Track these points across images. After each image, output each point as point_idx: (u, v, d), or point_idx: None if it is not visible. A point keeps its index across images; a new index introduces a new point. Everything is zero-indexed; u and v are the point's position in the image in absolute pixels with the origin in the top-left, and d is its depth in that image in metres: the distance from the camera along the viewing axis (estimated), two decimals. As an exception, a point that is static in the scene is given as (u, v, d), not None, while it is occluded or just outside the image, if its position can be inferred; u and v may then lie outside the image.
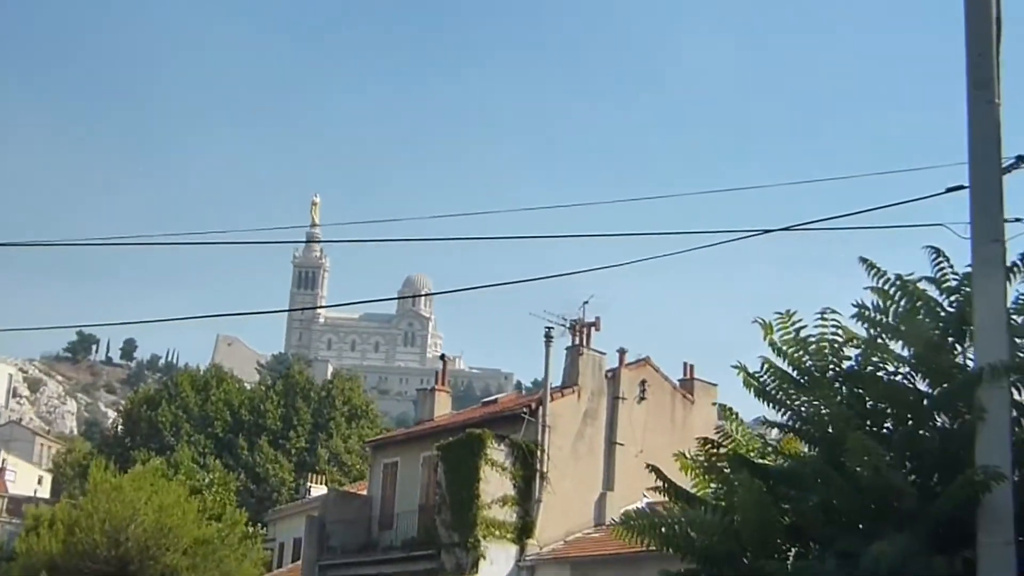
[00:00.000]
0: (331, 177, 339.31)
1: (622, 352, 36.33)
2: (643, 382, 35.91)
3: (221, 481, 45.15)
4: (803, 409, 9.91)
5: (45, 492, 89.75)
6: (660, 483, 10.57)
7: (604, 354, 35.91)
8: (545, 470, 33.02)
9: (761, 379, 10.08)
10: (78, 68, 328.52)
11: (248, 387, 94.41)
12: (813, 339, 9.99)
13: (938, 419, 9.69)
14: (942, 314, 9.95)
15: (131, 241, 15.78)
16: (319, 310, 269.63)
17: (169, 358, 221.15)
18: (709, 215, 37.91)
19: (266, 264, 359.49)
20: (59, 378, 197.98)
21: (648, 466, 11.03)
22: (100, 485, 32.45)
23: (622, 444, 34.24)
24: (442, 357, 43.51)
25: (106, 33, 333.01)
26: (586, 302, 35.78)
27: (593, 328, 36.04)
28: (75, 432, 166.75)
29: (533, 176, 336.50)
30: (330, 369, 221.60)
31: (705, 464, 10.41)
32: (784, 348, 10.00)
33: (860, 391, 9.72)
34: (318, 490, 49.49)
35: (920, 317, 9.92)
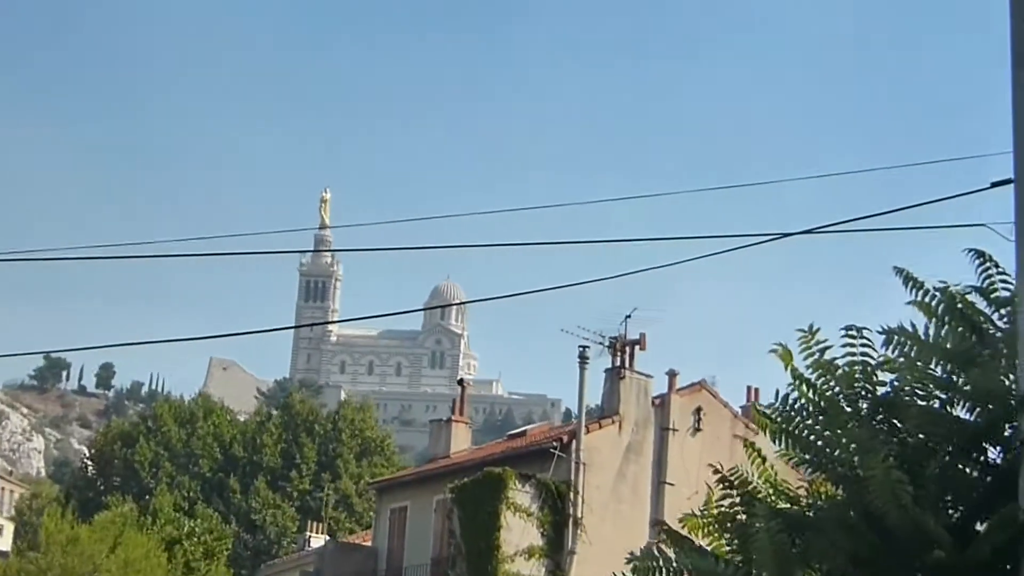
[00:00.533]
0: (344, 169, 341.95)
1: (672, 374, 36.51)
2: (698, 410, 36.06)
3: (209, 530, 45.64)
4: (828, 446, 10.08)
5: (6, 544, 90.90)
6: (669, 539, 10.79)
7: (651, 377, 36.14)
8: (579, 515, 33.23)
9: (782, 415, 10.24)
10: (50, 60, 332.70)
11: (243, 419, 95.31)
12: (839, 362, 10.14)
13: (989, 452, 9.82)
14: (990, 331, 10.08)
15: (106, 255, 15.93)
16: (330, 327, 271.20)
17: (153, 386, 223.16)
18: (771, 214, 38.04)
19: (267, 273, 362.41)
20: (24, 411, 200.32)
21: (656, 523, 11.25)
22: (54, 537, 32.95)
23: (672, 484, 34.37)
24: (460, 382, 43.78)
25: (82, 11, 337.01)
26: (628, 316, 35.93)
27: (637, 347, 36.24)
28: (42, 473, 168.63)
29: (582, 163, 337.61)
30: (343, 396, 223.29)
31: (717, 516, 10.61)
32: (807, 375, 10.18)
33: (895, 422, 9.87)
34: (320, 540, 49.98)
35: (967, 334, 10.05)
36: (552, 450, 33.63)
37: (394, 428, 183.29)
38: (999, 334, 10.08)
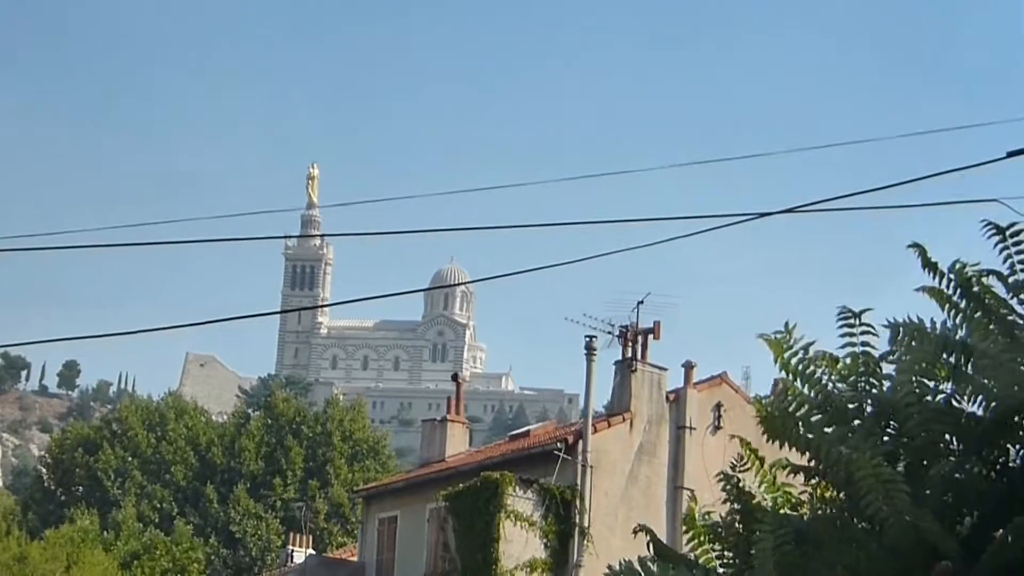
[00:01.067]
0: (333, 142, 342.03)
1: (689, 367, 36.50)
2: (718, 406, 36.04)
3: (176, 543, 45.80)
4: (825, 447, 10.10)
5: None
6: (652, 546, 10.83)
7: (666, 370, 36.13)
8: (586, 524, 33.29)
9: (778, 413, 10.28)
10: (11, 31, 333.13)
11: (223, 420, 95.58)
12: (841, 352, 10.19)
13: (1011, 451, 9.84)
14: (1009, 317, 10.08)
15: (64, 244, 15.76)
16: (321, 318, 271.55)
17: (123, 385, 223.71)
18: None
19: (248, 258, 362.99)
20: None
21: (639, 527, 11.28)
22: (-1, 557, 33.02)
23: (690, 489, 34.38)
24: (455, 376, 43.84)
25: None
26: (641, 302, 35.91)
27: (651, 336, 36.25)
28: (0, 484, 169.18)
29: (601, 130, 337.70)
30: (335, 394, 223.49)
31: (710, 524, 10.65)
32: (802, 370, 10.21)
33: (896, 422, 9.89)
34: (305, 554, 50.14)
35: (985, 323, 10.05)
36: (556, 452, 33.66)
37: (392, 429, 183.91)
38: (1020, 321, 10.09)
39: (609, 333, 35.57)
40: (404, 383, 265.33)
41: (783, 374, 10.32)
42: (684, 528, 10.93)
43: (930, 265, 10.36)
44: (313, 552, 48.28)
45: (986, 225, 10.22)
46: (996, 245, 10.30)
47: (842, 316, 10.09)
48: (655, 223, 12.53)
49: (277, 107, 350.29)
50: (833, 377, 10.21)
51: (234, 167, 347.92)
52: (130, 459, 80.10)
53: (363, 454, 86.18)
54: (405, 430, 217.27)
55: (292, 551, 52.70)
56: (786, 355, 10.26)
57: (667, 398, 35.78)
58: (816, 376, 10.18)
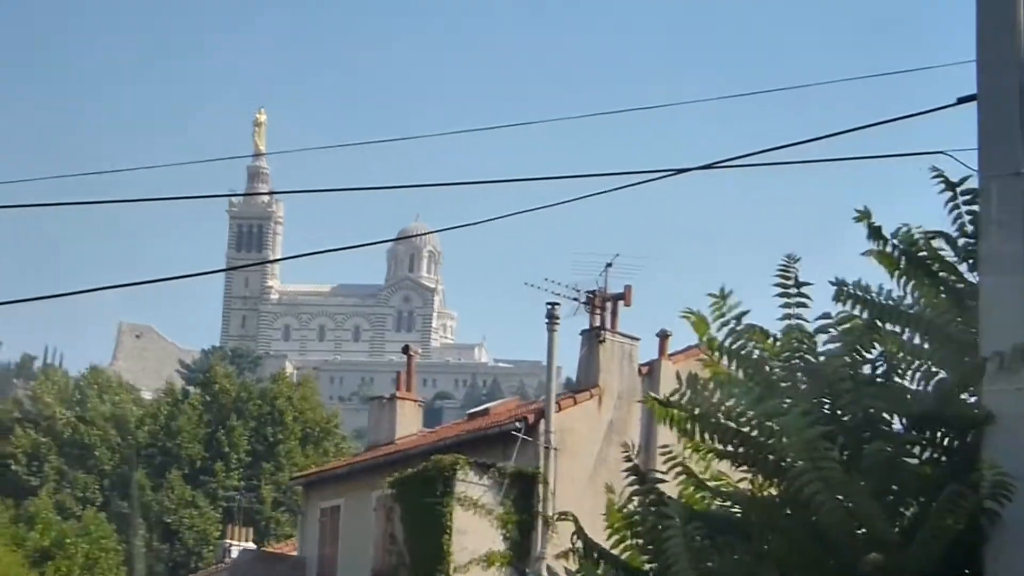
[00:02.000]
0: (283, 84, 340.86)
1: (664, 336, 36.68)
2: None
3: (89, 533, 45.79)
4: (757, 431, 10.25)
5: None
6: (575, 539, 11.00)
7: (638, 340, 36.30)
8: (550, 512, 33.46)
9: (691, 400, 10.43)
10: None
11: (155, 396, 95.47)
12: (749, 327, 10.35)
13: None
14: (958, 284, 10.27)
15: None
16: (272, 283, 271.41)
17: (49, 359, 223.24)
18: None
19: (187, 216, 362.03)
20: None
21: (561, 515, 11.45)
22: None
23: (664, 472, 34.68)
24: (405, 349, 44.00)
25: None
26: (609, 264, 35.99)
27: (621, 303, 36.41)
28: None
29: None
30: (289, 368, 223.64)
31: (627, 515, 10.82)
32: (727, 344, 10.35)
33: (830, 399, 10.05)
34: (248, 548, 50.36)
35: (935, 290, 10.24)
36: (514, 433, 33.82)
37: (352, 407, 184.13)
38: (969, 287, 10.27)
39: (575, 299, 35.67)
40: (366, 355, 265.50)
41: (708, 351, 10.47)
42: (606, 522, 11.10)
43: (875, 231, 10.54)
44: (252, 546, 48.49)
45: (935, 177, 10.38)
46: (947, 203, 10.48)
47: (781, 282, 10.24)
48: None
49: (219, 44, 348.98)
50: (764, 353, 10.35)
51: (171, 111, 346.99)
52: (45, 441, 79.71)
53: (316, 436, 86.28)
54: (366, 408, 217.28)
55: (230, 545, 52.98)
56: (712, 331, 10.41)
57: (639, 371, 35.95)
58: (746, 352, 10.32)
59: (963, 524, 9.12)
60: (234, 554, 50.37)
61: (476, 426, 37.83)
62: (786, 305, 10.33)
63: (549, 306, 35.07)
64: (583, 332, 36.08)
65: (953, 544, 9.19)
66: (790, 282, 10.27)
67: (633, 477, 10.98)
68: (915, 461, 9.91)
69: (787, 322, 10.37)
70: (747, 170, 11.76)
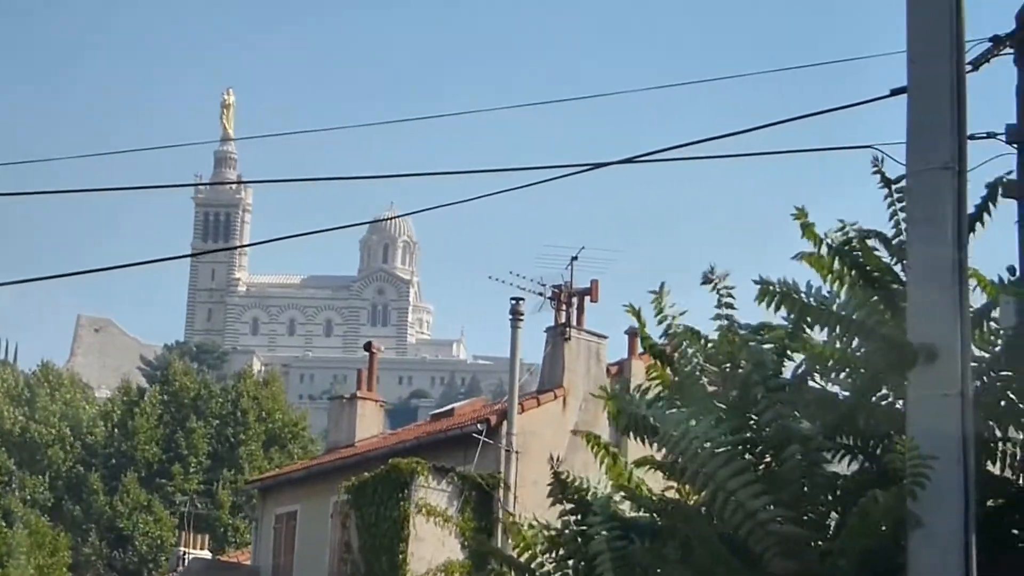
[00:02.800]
0: (252, 65, 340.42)
1: (633, 334, 36.71)
2: (668, 378, 36.36)
3: (42, 543, 45.86)
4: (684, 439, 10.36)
5: None
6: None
7: (605, 338, 36.38)
8: (511, 520, 33.52)
9: (631, 402, 10.54)
10: None
11: (110, 395, 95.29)
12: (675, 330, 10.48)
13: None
14: (893, 284, 10.39)
15: None
16: (239, 274, 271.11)
17: (4, 355, 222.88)
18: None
19: (148, 201, 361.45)
20: None
21: (511, 521, 11.58)
22: None
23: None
24: (367, 347, 44.03)
25: None
26: (575, 257, 36.06)
27: (588, 298, 36.51)
28: None
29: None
30: (256, 365, 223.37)
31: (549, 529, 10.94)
32: (663, 348, 10.49)
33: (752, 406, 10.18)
34: (204, 556, 50.40)
35: (868, 291, 10.36)
36: (475, 435, 33.91)
37: (323, 406, 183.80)
38: (902, 288, 10.39)
39: (539, 294, 35.74)
40: (338, 351, 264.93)
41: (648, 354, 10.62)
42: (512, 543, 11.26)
43: (809, 231, 10.66)
44: (207, 554, 48.56)
45: (875, 172, 10.51)
46: (885, 199, 10.60)
47: (708, 282, 10.38)
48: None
49: (185, 22, 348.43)
50: (699, 356, 10.47)
51: (135, 94, 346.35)
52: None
53: (282, 437, 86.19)
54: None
55: (184, 552, 53.03)
56: (650, 331, 10.55)
57: (607, 371, 36.03)
58: (681, 356, 10.45)
59: (884, 530, 9.24)
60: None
61: (437, 428, 37.94)
62: (718, 305, 10.47)
63: (513, 301, 35.15)
64: (547, 329, 36.17)
65: (873, 551, 9.31)
66: (717, 282, 10.38)
67: (558, 489, 11.06)
68: (836, 468, 10.03)
69: (718, 322, 10.52)
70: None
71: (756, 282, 10.37)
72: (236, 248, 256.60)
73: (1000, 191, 10.32)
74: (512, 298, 35.06)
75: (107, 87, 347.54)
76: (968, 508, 9.02)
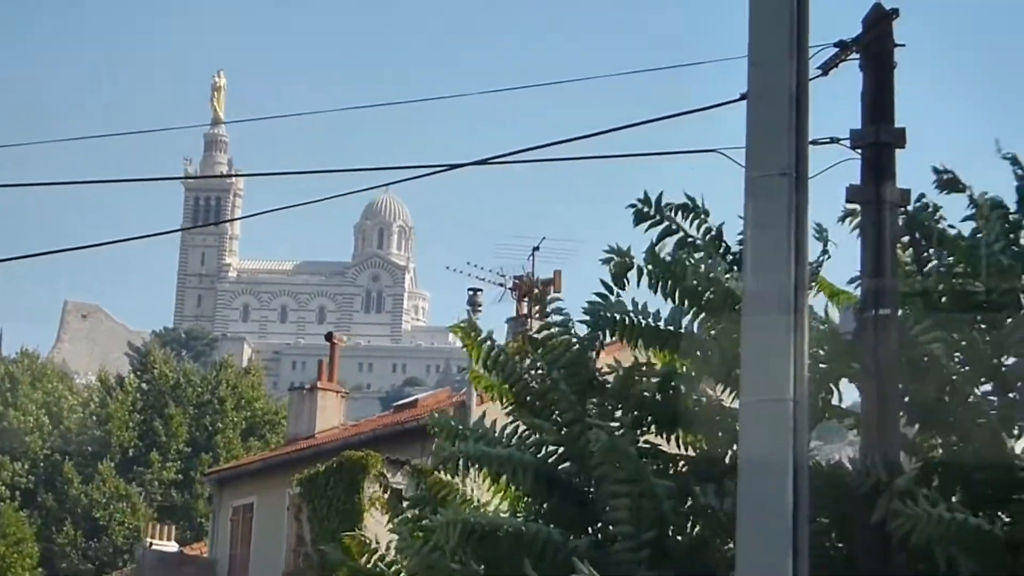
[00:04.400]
0: (243, 48, 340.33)
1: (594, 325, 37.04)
2: (630, 369, 36.66)
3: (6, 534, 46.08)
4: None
5: None
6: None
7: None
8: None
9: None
10: None
11: (91, 383, 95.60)
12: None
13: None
14: (710, 295, 10.87)
15: None
16: (230, 260, 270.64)
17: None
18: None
19: (137, 185, 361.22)
20: None
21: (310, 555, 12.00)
22: None
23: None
24: (328, 336, 44.41)
25: None
26: (536, 248, 36.35)
27: (551, 288, 36.79)
28: None
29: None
30: (247, 351, 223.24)
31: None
32: (503, 361, 10.99)
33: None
34: (171, 547, 50.56)
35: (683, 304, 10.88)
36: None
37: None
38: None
39: (500, 285, 36.04)
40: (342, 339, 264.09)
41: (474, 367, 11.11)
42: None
43: (619, 265, 11.17)
44: (172, 545, 48.80)
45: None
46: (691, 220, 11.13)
47: (519, 289, 10.90)
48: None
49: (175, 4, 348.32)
50: (538, 365, 10.97)
51: (125, 78, 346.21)
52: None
53: (261, 426, 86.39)
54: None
55: (151, 543, 53.20)
56: (482, 348, 11.04)
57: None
58: (511, 368, 10.94)
59: (711, 530, 9.65)
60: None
61: (396, 420, 38.26)
62: (543, 315, 11.02)
63: (470, 292, 35.48)
64: (508, 320, 36.46)
65: (700, 547, 9.74)
66: (532, 290, 11.01)
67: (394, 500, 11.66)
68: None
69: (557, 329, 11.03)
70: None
71: (585, 310, 10.98)
72: (226, 222, 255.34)
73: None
74: (470, 289, 35.40)
75: (96, 68, 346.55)
76: (798, 512, 9.34)
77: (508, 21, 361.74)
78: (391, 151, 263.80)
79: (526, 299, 36.65)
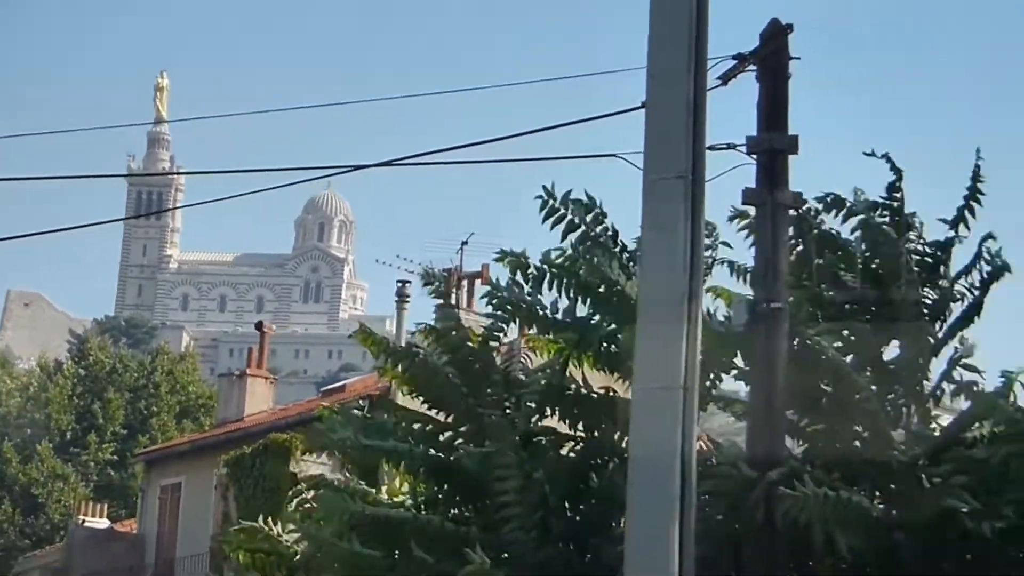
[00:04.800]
0: (188, 46, 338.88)
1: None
2: (559, 361, 36.79)
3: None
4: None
5: None
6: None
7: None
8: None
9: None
10: None
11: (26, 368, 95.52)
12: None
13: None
14: (616, 287, 11.03)
15: None
16: (172, 251, 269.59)
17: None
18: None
19: (82, 183, 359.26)
20: None
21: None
22: None
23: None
24: (259, 326, 44.44)
25: None
26: (465, 242, 36.43)
27: (478, 281, 36.89)
28: None
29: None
30: (185, 339, 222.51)
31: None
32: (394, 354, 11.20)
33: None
34: (99, 525, 50.34)
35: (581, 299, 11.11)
36: (357, 411, 34.16)
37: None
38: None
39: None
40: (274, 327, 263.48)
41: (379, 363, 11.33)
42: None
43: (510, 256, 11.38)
44: (106, 522, 48.64)
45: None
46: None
47: (428, 286, 11.07)
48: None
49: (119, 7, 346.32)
50: (438, 352, 11.14)
51: (70, 74, 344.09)
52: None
53: (195, 409, 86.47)
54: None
55: (83, 520, 52.96)
56: (384, 345, 11.24)
57: (496, 352, 36.41)
58: (412, 360, 11.14)
59: (601, 511, 9.80)
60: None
61: (322, 404, 38.25)
62: (441, 307, 11.26)
63: (399, 284, 35.56)
64: (435, 310, 36.52)
65: (589, 528, 9.89)
66: (434, 284, 11.21)
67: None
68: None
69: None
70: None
71: (485, 297, 11.26)
72: (166, 212, 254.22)
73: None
74: (398, 281, 35.50)
75: (38, 64, 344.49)
76: (685, 494, 9.47)
77: (437, 24, 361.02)
78: (331, 149, 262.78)
79: (453, 291, 36.80)
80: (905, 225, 11.35)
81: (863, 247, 11.06)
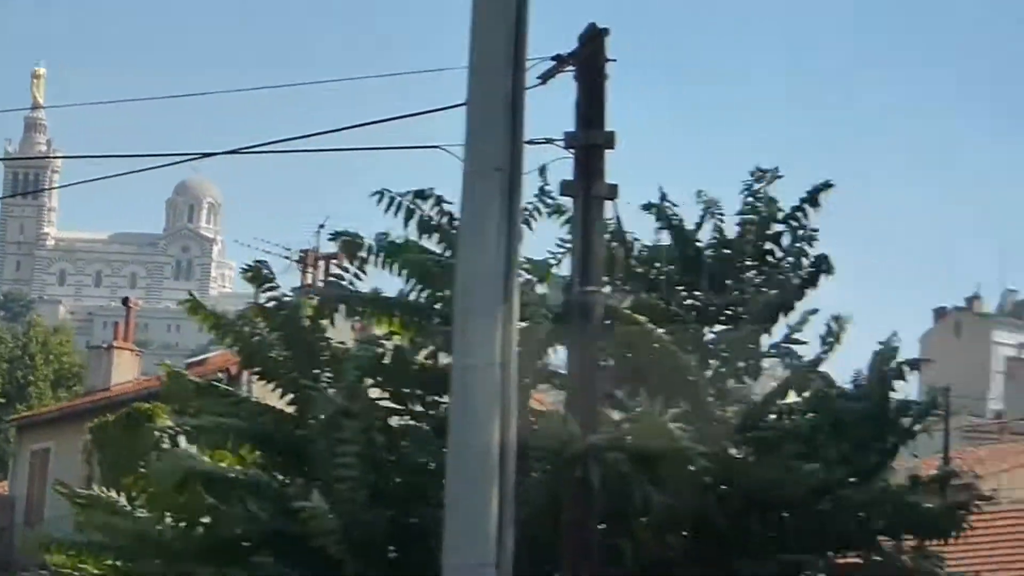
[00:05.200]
0: (65, 37, 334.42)
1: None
2: (411, 339, 36.95)
3: None
4: None
5: None
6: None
7: (345, 299, 36.80)
8: (247, 463, 34.00)
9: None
10: None
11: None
12: None
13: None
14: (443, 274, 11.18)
15: None
16: (48, 229, 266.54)
17: None
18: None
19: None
20: None
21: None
22: None
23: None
24: (125, 300, 44.20)
25: None
26: (322, 225, 36.31)
27: (334, 262, 36.88)
28: None
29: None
30: (62, 312, 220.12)
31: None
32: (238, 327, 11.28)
33: None
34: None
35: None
36: (216, 383, 34.07)
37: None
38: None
39: (286, 258, 36.01)
40: (142, 302, 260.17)
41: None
42: None
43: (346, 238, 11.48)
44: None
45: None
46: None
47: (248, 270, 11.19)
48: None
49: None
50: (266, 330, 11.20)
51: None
52: None
53: (69, 378, 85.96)
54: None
55: (-44, 484, 52.38)
56: (213, 319, 11.32)
57: (352, 327, 36.41)
58: (244, 331, 11.18)
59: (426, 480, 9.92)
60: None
61: (191, 375, 38.19)
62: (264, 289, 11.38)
63: (257, 264, 35.39)
64: (292, 290, 36.41)
65: (415, 495, 10.03)
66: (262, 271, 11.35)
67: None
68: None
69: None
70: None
71: (315, 293, 11.44)
72: (42, 192, 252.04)
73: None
74: (256, 261, 35.27)
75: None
76: (504, 478, 9.44)
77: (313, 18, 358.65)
78: (201, 134, 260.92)
79: (310, 271, 36.80)
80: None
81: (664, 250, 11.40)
